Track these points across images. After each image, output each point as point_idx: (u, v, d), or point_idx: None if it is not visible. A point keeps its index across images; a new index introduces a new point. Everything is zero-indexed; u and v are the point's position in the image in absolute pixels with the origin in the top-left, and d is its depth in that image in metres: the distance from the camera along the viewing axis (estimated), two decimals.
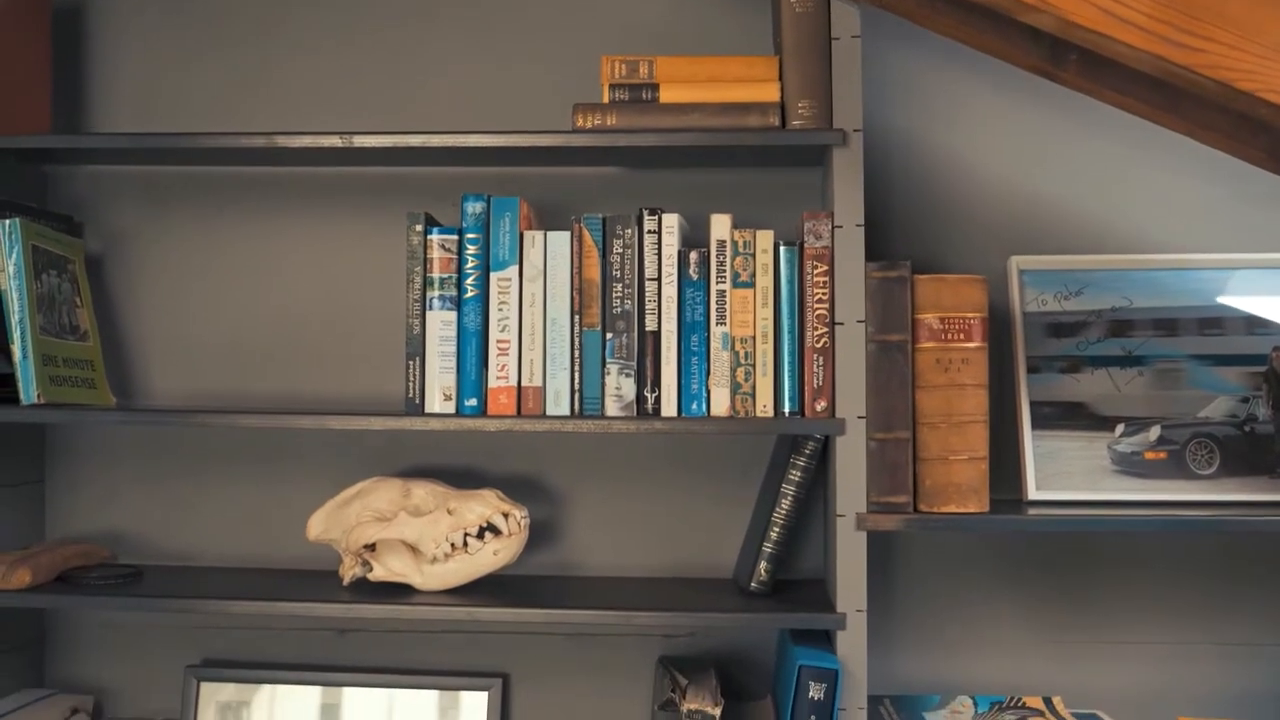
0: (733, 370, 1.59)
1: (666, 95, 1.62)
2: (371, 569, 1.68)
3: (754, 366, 1.59)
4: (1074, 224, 1.79)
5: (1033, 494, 1.68)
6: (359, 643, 1.85)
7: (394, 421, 1.61)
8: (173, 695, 1.85)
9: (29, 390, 1.64)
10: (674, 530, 1.82)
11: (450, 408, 1.61)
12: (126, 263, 1.89)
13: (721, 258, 1.59)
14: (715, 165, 1.78)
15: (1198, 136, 1.58)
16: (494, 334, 1.61)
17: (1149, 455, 1.69)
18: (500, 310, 1.61)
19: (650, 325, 1.60)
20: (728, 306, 1.59)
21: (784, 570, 1.73)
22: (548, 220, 1.72)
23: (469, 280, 1.62)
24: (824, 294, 1.58)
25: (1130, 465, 1.69)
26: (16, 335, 1.65)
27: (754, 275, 1.59)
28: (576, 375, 1.60)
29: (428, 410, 1.61)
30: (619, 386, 1.60)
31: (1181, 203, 1.78)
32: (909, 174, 1.80)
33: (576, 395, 1.60)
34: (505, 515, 1.66)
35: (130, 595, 1.65)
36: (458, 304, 1.62)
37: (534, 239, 1.62)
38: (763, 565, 1.64)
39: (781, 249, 1.59)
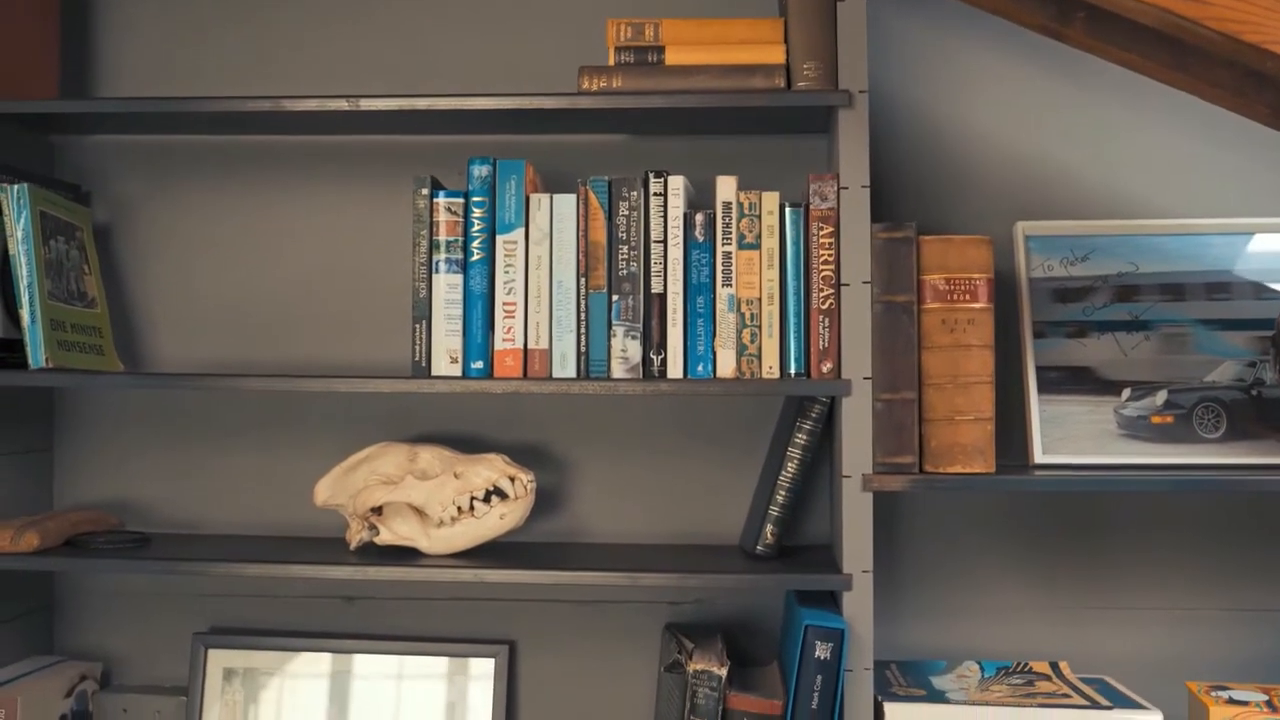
0: (738, 332, 1.59)
1: (672, 57, 1.62)
2: (378, 533, 1.68)
3: (760, 328, 1.59)
4: (1080, 189, 1.79)
5: (1039, 458, 1.68)
6: (366, 610, 1.86)
7: (400, 384, 1.61)
8: (180, 663, 1.85)
9: (37, 354, 1.65)
10: (680, 497, 1.82)
11: (456, 370, 1.62)
12: (134, 232, 1.89)
13: (727, 220, 1.60)
14: (720, 133, 1.78)
15: (1203, 94, 1.58)
16: (500, 297, 1.61)
17: (1156, 419, 1.69)
18: (506, 273, 1.61)
19: (656, 287, 1.60)
20: (733, 268, 1.59)
21: (790, 536, 1.73)
22: (554, 188, 1.73)
23: (475, 243, 1.62)
24: (829, 255, 1.58)
25: (1137, 429, 1.69)
26: (25, 299, 1.65)
27: (759, 237, 1.59)
28: (582, 338, 1.61)
29: (434, 373, 1.62)
30: (625, 349, 1.60)
31: (1188, 168, 1.78)
32: (914, 140, 1.80)
33: (582, 358, 1.61)
34: (512, 479, 1.66)
35: (138, 559, 1.66)
36: (464, 267, 1.62)
37: (540, 202, 1.62)
38: (769, 529, 1.64)
39: (787, 211, 1.59)
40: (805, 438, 1.63)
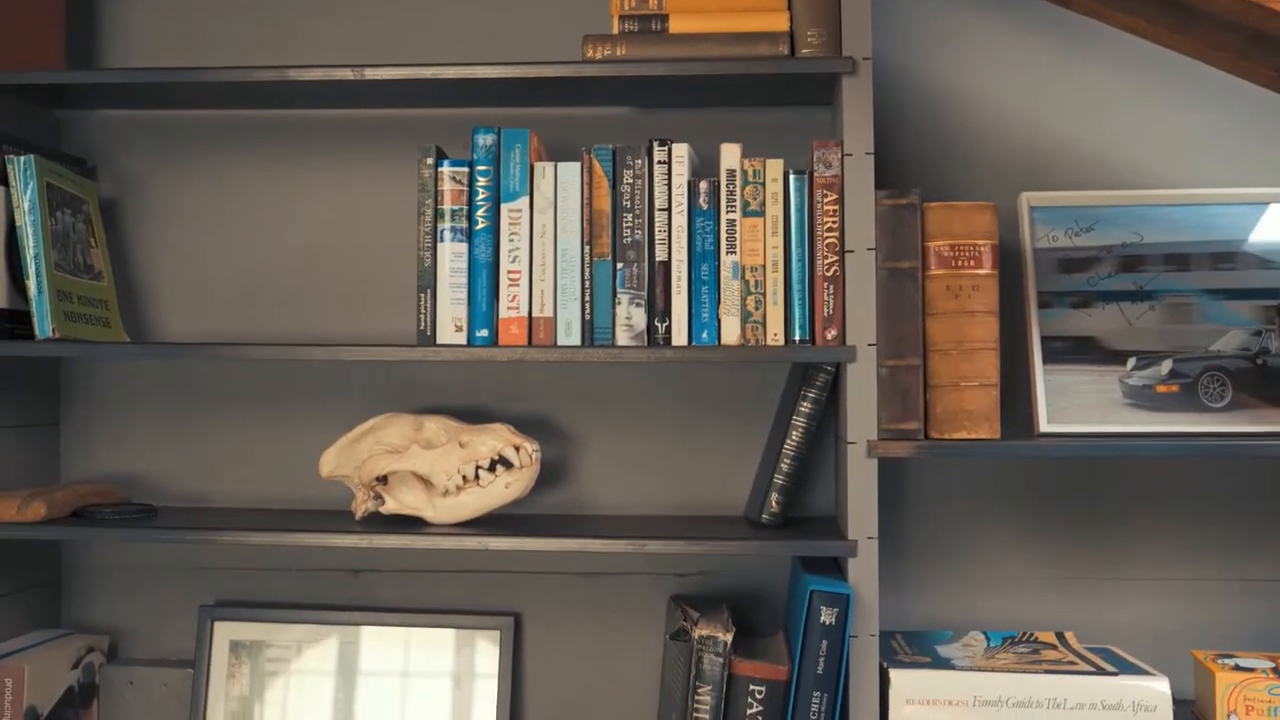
0: (743, 299, 1.59)
1: (676, 25, 1.62)
2: (384, 502, 1.69)
3: (764, 295, 1.59)
4: (1084, 160, 1.79)
5: (1044, 427, 1.67)
6: (371, 583, 1.86)
7: (405, 352, 1.61)
8: (187, 637, 1.86)
9: (44, 325, 1.66)
10: (685, 469, 1.82)
11: (462, 339, 1.62)
12: (140, 206, 1.90)
13: (731, 187, 1.60)
14: (724, 105, 1.79)
15: (1207, 59, 1.58)
16: (505, 265, 1.62)
17: (1161, 389, 1.68)
18: (511, 241, 1.62)
19: (660, 255, 1.60)
20: (738, 235, 1.60)
21: (795, 507, 1.73)
22: (558, 159, 1.72)
23: (480, 212, 1.62)
24: (834, 222, 1.58)
25: (1142, 399, 1.68)
26: (32, 270, 1.66)
27: (764, 204, 1.59)
28: (587, 305, 1.61)
29: (439, 341, 1.62)
30: (629, 316, 1.60)
31: (1193, 138, 1.78)
32: (919, 110, 1.80)
33: (587, 325, 1.61)
34: (517, 448, 1.67)
35: (145, 528, 1.66)
36: (469, 236, 1.62)
37: (544, 170, 1.62)
38: (774, 497, 1.64)
39: (791, 178, 1.59)
40: (810, 406, 1.63)
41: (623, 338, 1.60)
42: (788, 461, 1.64)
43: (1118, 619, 1.77)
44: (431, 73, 1.62)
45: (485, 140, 1.63)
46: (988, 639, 1.71)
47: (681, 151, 1.60)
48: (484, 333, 1.62)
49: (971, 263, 1.57)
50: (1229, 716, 1.54)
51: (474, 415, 1.82)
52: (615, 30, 1.63)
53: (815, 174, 1.58)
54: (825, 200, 1.58)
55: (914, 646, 1.68)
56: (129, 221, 1.90)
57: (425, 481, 1.68)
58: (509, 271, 1.62)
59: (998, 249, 1.58)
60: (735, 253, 1.60)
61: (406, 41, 1.86)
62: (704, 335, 1.60)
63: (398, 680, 1.80)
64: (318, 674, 1.81)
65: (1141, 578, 1.78)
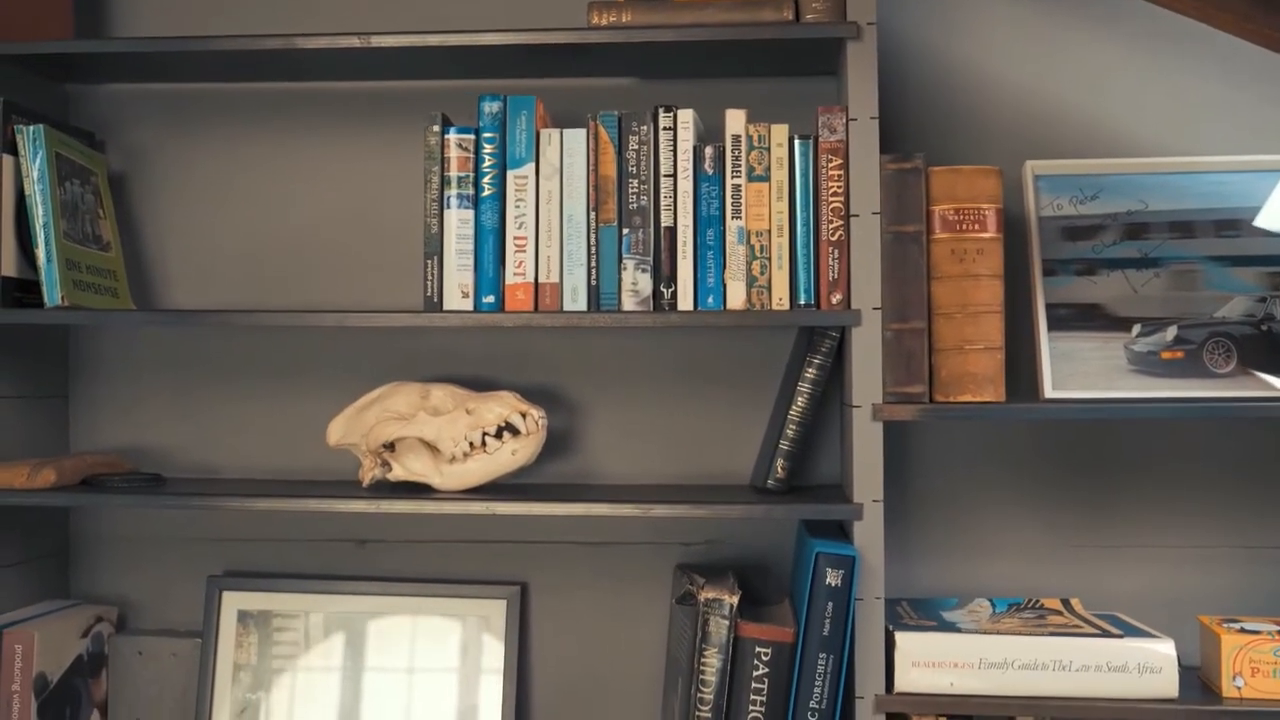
0: (748, 264, 1.60)
1: None
2: (391, 469, 1.69)
3: (769, 260, 1.60)
4: (1089, 127, 1.79)
5: (1049, 393, 1.68)
6: (378, 554, 1.87)
7: (412, 318, 1.62)
8: (195, 608, 1.86)
9: (53, 293, 1.67)
10: (692, 438, 1.82)
11: (468, 305, 1.63)
12: (148, 180, 1.91)
13: (736, 152, 1.60)
14: (729, 75, 1.79)
15: (1210, 19, 1.58)
16: (511, 231, 1.62)
17: (1166, 355, 1.69)
18: (517, 208, 1.62)
19: (666, 221, 1.61)
20: (743, 201, 1.60)
21: (801, 475, 1.74)
22: (564, 127, 1.73)
23: (486, 179, 1.63)
24: (839, 187, 1.59)
25: (1147, 365, 1.69)
26: (41, 239, 1.67)
27: (769, 169, 1.60)
28: (593, 271, 1.62)
29: (446, 308, 1.62)
30: (635, 282, 1.61)
31: (1198, 104, 1.78)
32: (922, 79, 1.80)
33: (593, 291, 1.61)
34: (523, 415, 1.67)
35: (152, 494, 1.67)
36: (475, 202, 1.63)
37: (550, 137, 1.63)
38: (779, 463, 1.65)
39: (796, 143, 1.60)
40: (815, 372, 1.64)
41: (628, 303, 1.61)
42: (793, 427, 1.64)
43: (1124, 586, 1.77)
44: (437, 40, 1.63)
45: (491, 107, 1.63)
46: (993, 605, 1.71)
47: (687, 117, 1.61)
48: (490, 299, 1.63)
49: (976, 226, 1.58)
50: (1234, 679, 1.55)
51: (480, 386, 1.83)
52: None
53: (820, 139, 1.59)
54: (830, 165, 1.59)
55: (919, 612, 1.68)
56: (137, 195, 1.91)
57: (432, 448, 1.68)
58: (515, 238, 1.62)
59: (1002, 213, 1.59)
60: (740, 218, 1.60)
61: (413, 11, 1.86)
62: (709, 300, 1.61)
63: (405, 649, 1.81)
64: (325, 644, 1.82)
65: (1148, 545, 1.78)
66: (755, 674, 1.54)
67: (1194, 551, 1.77)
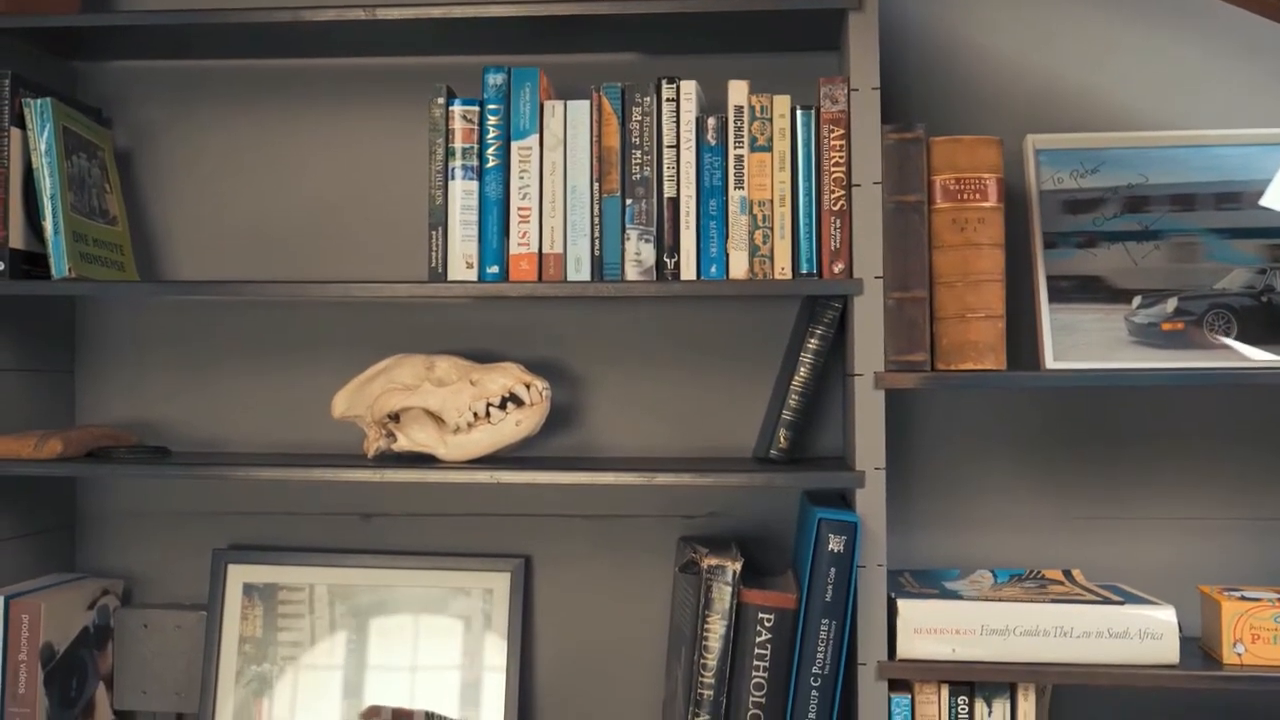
0: (750, 234, 1.61)
1: None
2: (396, 440, 1.70)
3: (772, 230, 1.61)
4: (1089, 101, 1.80)
5: (1050, 364, 1.68)
6: (383, 528, 1.88)
7: (417, 288, 1.63)
8: (200, 583, 1.87)
9: (60, 264, 1.68)
10: (695, 413, 1.83)
11: (472, 275, 1.64)
12: (154, 157, 1.92)
13: (739, 123, 1.61)
14: (731, 50, 1.80)
15: None
16: (515, 202, 1.63)
17: (1166, 326, 1.69)
18: (521, 179, 1.64)
19: (669, 191, 1.62)
20: (745, 171, 1.61)
21: (803, 448, 1.75)
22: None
23: (490, 150, 1.64)
24: (840, 157, 1.60)
25: (1147, 336, 1.69)
26: (48, 211, 1.68)
27: (771, 140, 1.61)
28: (596, 242, 1.63)
29: (450, 278, 1.63)
30: (639, 252, 1.62)
31: (1198, 79, 1.79)
32: (924, 53, 1.81)
33: (597, 261, 1.62)
34: (527, 386, 1.68)
35: (158, 464, 1.68)
36: (479, 174, 1.64)
37: (554, 108, 1.64)
38: (781, 433, 1.66)
39: (798, 113, 1.61)
40: (817, 342, 1.65)
41: (632, 273, 1.62)
42: (795, 397, 1.65)
43: (1125, 558, 1.78)
44: (441, 12, 1.64)
45: (495, 79, 1.65)
46: (995, 576, 1.72)
47: (689, 89, 1.62)
48: (494, 269, 1.64)
49: (976, 196, 1.59)
50: (1235, 645, 1.55)
51: (484, 360, 1.83)
52: None
53: (822, 109, 1.60)
54: (832, 135, 1.60)
55: (921, 582, 1.69)
56: (144, 172, 1.92)
57: (437, 419, 1.69)
58: (519, 208, 1.63)
59: (1003, 182, 1.60)
60: (743, 188, 1.61)
61: None
62: (712, 270, 1.62)
63: (409, 621, 1.81)
64: (330, 616, 1.83)
65: (1149, 518, 1.79)
66: (758, 640, 1.55)
67: (1196, 523, 1.78)
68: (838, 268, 1.59)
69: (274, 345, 1.89)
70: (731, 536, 1.80)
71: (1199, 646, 1.63)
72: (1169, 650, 1.54)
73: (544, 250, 1.63)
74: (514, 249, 1.63)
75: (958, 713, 1.57)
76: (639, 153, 1.62)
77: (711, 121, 1.62)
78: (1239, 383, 1.66)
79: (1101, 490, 1.79)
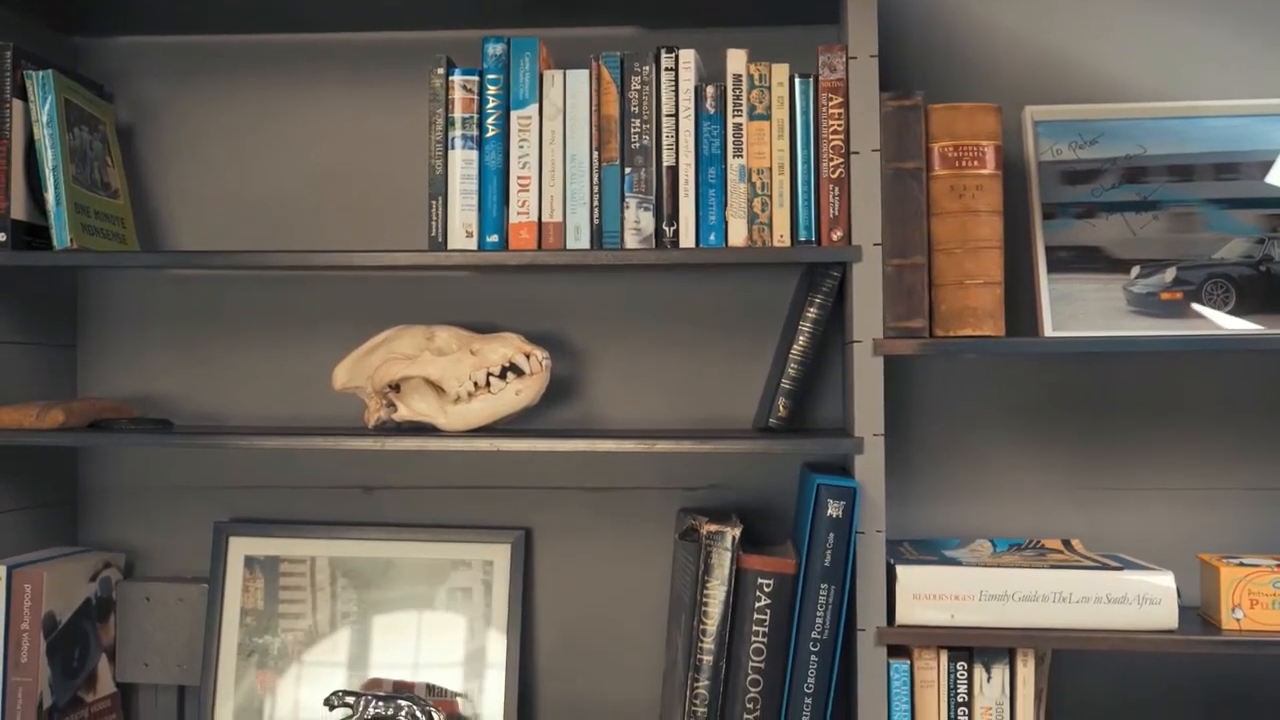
0: (749, 201, 1.61)
1: None
2: (396, 410, 1.71)
3: (770, 197, 1.61)
4: (1087, 73, 1.81)
5: (1049, 333, 1.69)
6: (384, 500, 1.88)
7: (417, 257, 1.64)
8: (202, 557, 1.88)
9: (62, 235, 1.68)
10: (695, 385, 1.84)
11: (472, 244, 1.64)
12: (156, 132, 1.93)
13: (738, 91, 1.62)
14: (730, 24, 1.81)
15: None
16: (515, 171, 1.64)
17: (1165, 296, 1.70)
18: (521, 148, 1.64)
19: (668, 160, 1.63)
20: (744, 139, 1.62)
21: (802, 419, 1.75)
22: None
23: (490, 120, 1.65)
24: (839, 125, 1.60)
25: (1146, 306, 1.70)
26: (50, 182, 1.69)
27: (770, 108, 1.62)
28: (596, 210, 1.63)
29: (450, 247, 1.64)
30: (638, 220, 1.62)
31: (1196, 50, 1.80)
32: (923, 25, 1.82)
33: (596, 230, 1.63)
34: (527, 355, 1.69)
35: (161, 434, 1.69)
36: (479, 143, 1.65)
37: (553, 78, 1.64)
38: (781, 402, 1.66)
39: (796, 81, 1.61)
40: (816, 311, 1.65)
41: (631, 241, 1.62)
42: (794, 366, 1.66)
43: (1125, 528, 1.78)
44: None
45: (495, 49, 1.65)
46: (994, 545, 1.73)
47: (688, 58, 1.62)
48: (494, 238, 1.64)
49: (975, 163, 1.59)
50: (1234, 610, 1.55)
51: (484, 332, 1.84)
52: None
53: (820, 77, 1.60)
54: (830, 103, 1.60)
55: (921, 551, 1.69)
56: (145, 148, 1.93)
57: (437, 389, 1.70)
58: (519, 177, 1.64)
59: (1001, 150, 1.60)
60: (742, 156, 1.62)
61: None
62: (711, 238, 1.62)
63: (410, 593, 1.82)
64: (331, 588, 1.83)
65: (1148, 488, 1.79)
66: (757, 606, 1.55)
67: (1195, 494, 1.78)
68: (836, 235, 1.60)
69: (275, 321, 1.90)
70: (732, 509, 1.80)
71: (1198, 615, 1.63)
72: (1168, 615, 1.54)
73: (543, 219, 1.64)
74: (514, 218, 1.64)
75: (957, 679, 1.58)
76: (638, 121, 1.63)
77: (710, 90, 1.62)
78: (1236, 349, 1.66)
79: (1101, 461, 1.80)
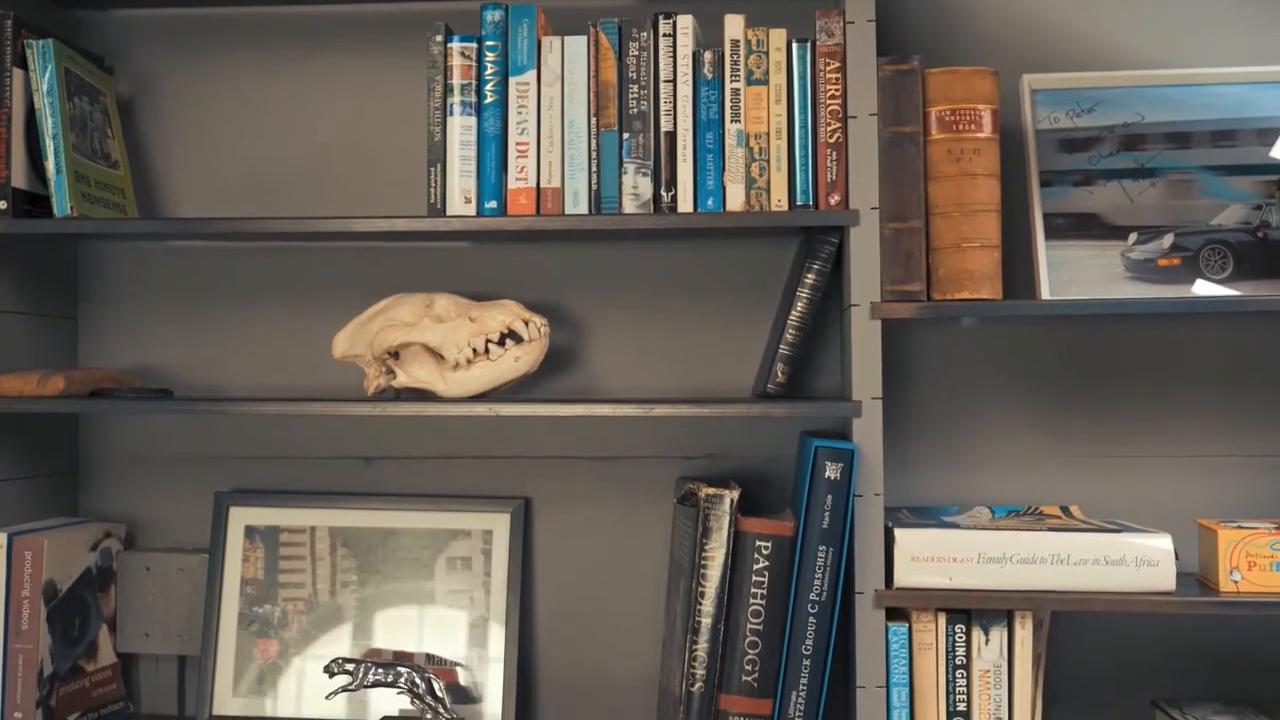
0: (747, 166, 1.62)
1: None
2: (396, 376, 1.71)
3: (768, 162, 1.62)
4: (1085, 41, 1.81)
5: (1046, 297, 1.69)
6: (384, 471, 1.89)
7: (416, 223, 1.64)
8: (202, 527, 1.88)
9: (62, 203, 1.69)
10: (693, 354, 1.84)
11: (471, 210, 1.65)
12: (156, 105, 1.93)
13: (735, 57, 1.62)
14: None
15: None
16: (513, 137, 1.64)
17: (1162, 262, 1.70)
18: (519, 114, 1.65)
19: (666, 125, 1.63)
20: (742, 104, 1.62)
21: (800, 385, 1.75)
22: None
23: (488, 86, 1.65)
24: (836, 90, 1.60)
25: (1144, 272, 1.70)
26: (50, 151, 1.69)
27: (767, 73, 1.62)
28: (594, 175, 1.64)
29: (449, 213, 1.64)
30: (636, 185, 1.63)
31: (1194, 18, 1.80)
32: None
33: (594, 195, 1.63)
34: (526, 322, 1.69)
35: (162, 401, 1.69)
36: (477, 110, 1.65)
37: (551, 44, 1.65)
38: (779, 367, 1.67)
39: (794, 46, 1.62)
40: (814, 277, 1.65)
41: (629, 206, 1.63)
42: (793, 332, 1.66)
43: (1123, 496, 1.78)
44: None
45: (493, 16, 1.66)
46: (992, 512, 1.73)
47: (686, 23, 1.63)
48: (493, 204, 1.65)
49: (972, 127, 1.59)
50: (1231, 573, 1.56)
51: (484, 300, 1.85)
52: None
53: (818, 42, 1.61)
54: (828, 68, 1.61)
55: (919, 516, 1.70)
56: (145, 120, 1.93)
57: (436, 355, 1.70)
58: (517, 143, 1.65)
59: (998, 114, 1.61)
60: (739, 121, 1.62)
61: None
62: (709, 203, 1.63)
63: (409, 563, 1.82)
64: (331, 558, 1.83)
65: (1147, 455, 1.79)
66: (755, 568, 1.55)
67: (1193, 461, 1.78)
68: (834, 199, 1.60)
69: (275, 292, 1.90)
70: (731, 477, 1.80)
71: (1196, 580, 1.64)
72: (1165, 577, 1.54)
73: (542, 184, 1.64)
74: (512, 184, 1.64)
75: (955, 641, 1.58)
76: (636, 87, 1.63)
77: (708, 55, 1.63)
78: (1234, 310, 1.66)
79: (1099, 428, 1.80)
